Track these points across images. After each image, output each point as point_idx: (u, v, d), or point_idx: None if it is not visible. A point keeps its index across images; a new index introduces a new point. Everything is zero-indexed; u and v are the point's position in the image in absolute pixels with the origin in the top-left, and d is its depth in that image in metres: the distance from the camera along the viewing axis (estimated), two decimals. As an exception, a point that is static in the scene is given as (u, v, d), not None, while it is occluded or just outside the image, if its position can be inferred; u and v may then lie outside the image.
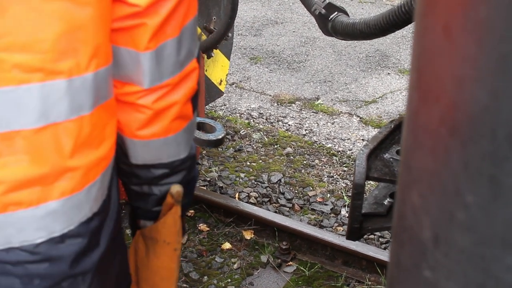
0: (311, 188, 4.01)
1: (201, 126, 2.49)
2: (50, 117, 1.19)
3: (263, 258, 3.39)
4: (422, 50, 0.62)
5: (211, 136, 2.41)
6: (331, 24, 2.91)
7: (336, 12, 2.93)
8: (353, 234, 2.11)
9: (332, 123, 4.92)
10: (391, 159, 2.10)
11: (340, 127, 4.87)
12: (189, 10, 1.37)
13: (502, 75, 0.53)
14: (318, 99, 5.35)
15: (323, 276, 3.29)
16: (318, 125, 4.90)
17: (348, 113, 5.09)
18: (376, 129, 4.67)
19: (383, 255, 3.21)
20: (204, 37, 3.65)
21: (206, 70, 3.86)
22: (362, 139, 4.66)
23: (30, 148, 1.19)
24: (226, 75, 4.09)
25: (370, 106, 5.18)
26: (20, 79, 1.16)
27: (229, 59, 4.07)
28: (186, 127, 1.46)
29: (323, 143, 4.62)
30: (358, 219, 2.07)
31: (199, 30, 3.59)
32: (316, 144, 4.59)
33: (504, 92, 0.53)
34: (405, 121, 0.68)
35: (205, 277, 3.25)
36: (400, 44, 6.40)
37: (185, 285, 3.17)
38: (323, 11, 2.93)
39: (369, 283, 3.22)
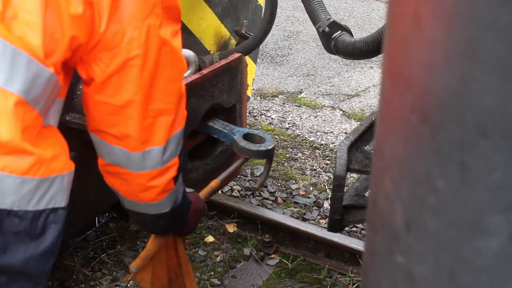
0: (294, 181, 4.02)
1: (250, 137, 2.46)
2: (29, 96, 1.31)
3: (246, 251, 3.40)
4: (393, 38, 0.63)
5: (261, 147, 2.39)
6: (333, 42, 2.94)
7: (339, 31, 2.96)
8: (334, 226, 2.12)
9: (315, 117, 4.94)
10: (372, 151, 2.12)
11: (323, 120, 4.88)
12: (176, 124, 1.66)
13: (470, 60, 0.54)
14: (301, 92, 5.36)
15: (306, 268, 3.30)
16: (301, 118, 4.91)
17: (331, 106, 5.11)
18: (359, 123, 4.69)
19: (365, 247, 3.22)
20: (233, 41, 3.55)
21: None
22: (345, 132, 4.68)
23: (13, 114, 1.29)
24: (253, 79, 4.04)
25: (353, 100, 5.20)
26: (24, 47, 1.28)
27: (255, 63, 4.01)
28: (168, 195, 1.82)
29: (306, 136, 4.63)
30: (339, 211, 2.08)
31: (228, 33, 3.50)
32: (299, 138, 4.60)
33: (473, 77, 0.54)
34: (378, 109, 0.69)
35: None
36: (383, 38, 6.42)
37: (168, 278, 3.16)
38: (327, 29, 2.96)
39: (352, 275, 3.24)
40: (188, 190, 2.09)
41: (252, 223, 3.54)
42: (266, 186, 3.95)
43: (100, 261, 3.22)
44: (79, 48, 1.42)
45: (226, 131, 2.48)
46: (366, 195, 2.16)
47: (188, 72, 2.55)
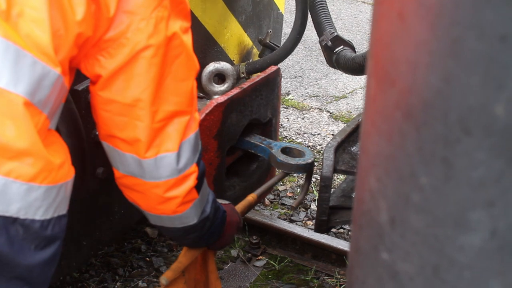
0: (281, 183, 4.03)
1: (288, 151, 2.41)
2: (35, 97, 1.27)
3: (233, 253, 3.40)
4: (378, 37, 0.64)
5: (300, 161, 2.34)
6: (335, 57, 2.96)
7: (342, 46, 2.97)
8: (321, 226, 2.13)
9: (303, 118, 4.95)
10: (358, 152, 2.13)
11: (310, 122, 4.89)
12: (189, 127, 1.58)
13: (453, 59, 0.55)
14: (288, 94, 5.37)
15: (293, 270, 3.30)
16: (288, 120, 4.92)
17: (318, 108, 5.12)
18: (345, 124, 4.70)
19: (352, 248, 3.23)
20: (255, 50, 3.45)
21: None
22: (332, 134, 4.69)
23: (16, 115, 1.24)
24: None
25: (340, 102, 5.22)
26: (30, 48, 1.24)
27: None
28: (192, 206, 1.72)
29: (294, 138, 4.64)
30: (325, 212, 2.10)
31: (250, 42, 3.41)
32: (286, 139, 4.61)
33: (455, 76, 0.55)
34: (363, 107, 0.70)
35: (175, 271, 3.25)
36: (370, 40, 6.45)
37: (155, 279, 3.16)
38: (330, 43, 2.97)
39: (339, 276, 3.24)
40: (223, 202, 2.02)
41: (239, 224, 3.54)
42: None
43: (87, 263, 3.21)
44: (86, 42, 1.38)
45: (263, 145, 2.42)
46: (353, 196, 2.17)
47: (226, 85, 2.47)
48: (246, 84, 2.34)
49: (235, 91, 2.29)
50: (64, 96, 1.42)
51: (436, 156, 0.58)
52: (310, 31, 3.92)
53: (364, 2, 7.82)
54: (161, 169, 1.57)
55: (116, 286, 3.08)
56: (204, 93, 2.64)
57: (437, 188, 0.58)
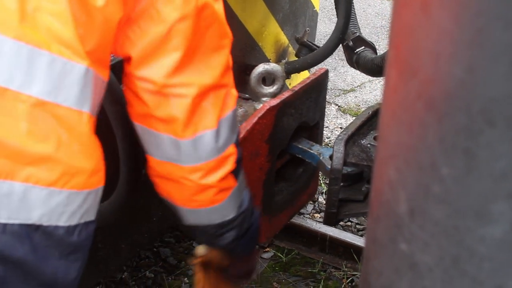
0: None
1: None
2: (58, 96, 1.19)
3: (241, 244, 3.40)
4: (400, 27, 0.63)
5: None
6: (355, 57, 2.94)
7: (363, 47, 2.94)
8: (330, 219, 2.13)
9: (311, 111, 4.94)
10: (368, 145, 2.12)
11: (319, 115, 4.88)
12: (227, 103, 1.49)
13: (477, 49, 0.54)
14: (296, 87, 5.36)
15: (300, 262, 3.31)
16: (296, 113, 4.91)
17: (326, 101, 5.11)
18: (354, 118, 4.70)
19: (359, 242, 3.24)
20: (291, 49, 3.39)
21: (290, 84, 3.55)
22: (340, 127, 4.68)
23: (30, 117, 1.16)
24: None
25: (348, 95, 5.21)
26: (48, 45, 1.17)
27: (309, 70, 3.83)
28: (230, 195, 1.60)
29: (302, 131, 4.64)
30: (335, 204, 2.09)
31: (287, 41, 3.35)
32: (294, 132, 4.61)
33: (479, 66, 0.54)
34: (382, 98, 0.70)
35: (183, 262, 3.26)
36: (379, 34, 6.43)
37: (162, 270, 3.17)
38: (351, 43, 2.95)
39: (346, 269, 3.25)
40: None
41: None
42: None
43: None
44: (119, 24, 1.30)
45: (312, 151, 2.36)
46: (363, 189, 2.17)
47: (275, 87, 2.40)
48: (297, 87, 2.27)
49: (287, 93, 2.23)
50: (102, 90, 1.34)
51: (458, 147, 0.57)
52: (319, 23, 3.90)
53: (373, -4, 7.79)
54: (199, 150, 1.48)
55: (123, 276, 3.09)
56: (251, 95, 2.58)
57: (458, 179, 0.58)
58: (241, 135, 2.01)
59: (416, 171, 0.62)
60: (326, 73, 2.42)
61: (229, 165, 1.54)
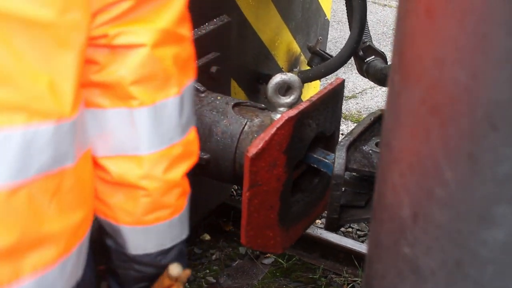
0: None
1: None
2: (29, 170, 0.94)
3: (242, 250, 3.40)
4: (404, 33, 0.64)
5: None
6: (365, 66, 2.96)
7: (373, 56, 2.95)
8: (332, 224, 2.13)
9: (312, 118, 4.95)
10: (370, 151, 2.13)
11: (320, 121, 4.89)
12: (188, 67, 1.20)
13: (481, 55, 0.55)
14: (298, 93, 5.38)
15: (301, 268, 3.31)
16: (298, 119, 4.93)
17: (327, 107, 5.12)
18: (355, 124, 4.70)
19: (360, 248, 3.24)
20: (303, 57, 3.37)
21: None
22: (342, 134, 4.69)
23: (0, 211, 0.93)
24: None
25: (349, 101, 5.22)
26: None
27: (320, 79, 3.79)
28: (187, 204, 1.28)
29: (303, 137, 4.64)
30: (337, 210, 2.09)
31: (299, 49, 3.34)
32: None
33: (483, 72, 0.55)
34: (386, 103, 0.70)
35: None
36: (381, 40, 6.44)
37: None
38: (361, 52, 2.96)
39: (346, 275, 3.25)
40: None
41: (248, 222, 3.55)
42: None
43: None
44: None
45: (327, 160, 2.33)
46: (364, 195, 2.17)
47: (292, 97, 2.39)
48: (315, 97, 2.24)
49: (304, 104, 2.19)
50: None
51: (462, 151, 0.58)
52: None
53: (375, 3, 7.81)
54: (162, 125, 1.16)
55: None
56: (268, 105, 2.56)
57: (462, 183, 0.59)
58: (260, 146, 2.00)
59: (419, 175, 0.63)
60: (342, 83, 2.41)
61: (194, 156, 1.24)
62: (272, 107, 2.41)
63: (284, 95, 2.34)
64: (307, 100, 2.22)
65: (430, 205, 0.62)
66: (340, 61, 3.02)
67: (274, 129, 2.05)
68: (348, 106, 5.16)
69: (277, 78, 2.30)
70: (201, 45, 2.54)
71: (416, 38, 0.61)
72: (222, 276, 3.23)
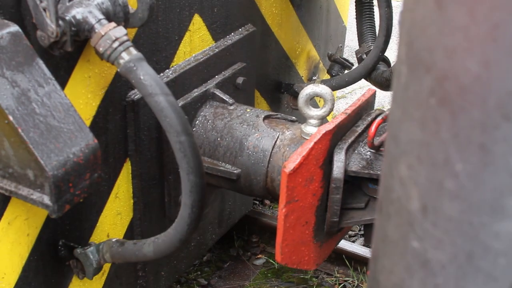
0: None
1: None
2: None
3: (233, 251, 3.39)
4: (413, 24, 0.63)
5: None
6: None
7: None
8: (333, 227, 2.12)
9: (301, 118, 4.95)
10: (368, 153, 2.11)
11: (309, 122, 4.89)
12: None
13: (493, 44, 0.54)
14: (287, 94, 5.37)
15: (292, 268, 3.30)
16: (287, 120, 4.92)
17: (317, 108, 5.12)
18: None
19: (351, 248, 3.24)
20: (321, 65, 3.35)
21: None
22: (331, 134, 4.69)
23: None
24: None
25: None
26: None
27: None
28: None
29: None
30: (337, 213, 2.08)
31: (318, 57, 3.31)
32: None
33: (495, 61, 0.54)
34: (392, 95, 0.69)
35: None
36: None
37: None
38: (364, 56, 2.96)
39: (338, 275, 3.24)
40: None
41: (239, 223, 3.53)
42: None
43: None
44: None
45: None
46: (364, 197, 2.16)
47: (323, 110, 2.32)
48: (349, 109, 2.19)
49: (340, 117, 2.15)
50: None
51: (473, 142, 0.57)
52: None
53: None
54: None
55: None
56: (298, 116, 2.50)
57: (473, 175, 0.58)
58: (297, 161, 1.95)
59: (429, 167, 0.62)
60: (374, 94, 2.37)
61: None
62: (302, 118, 2.36)
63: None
64: (342, 112, 2.17)
65: (440, 198, 0.61)
66: (365, 70, 2.97)
67: (312, 143, 1.99)
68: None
69: (308, 90, 2.23)
70: (227, 55, 2.52)
71: (425, 28, 0.61)
72: (213, 278, 3.22)
